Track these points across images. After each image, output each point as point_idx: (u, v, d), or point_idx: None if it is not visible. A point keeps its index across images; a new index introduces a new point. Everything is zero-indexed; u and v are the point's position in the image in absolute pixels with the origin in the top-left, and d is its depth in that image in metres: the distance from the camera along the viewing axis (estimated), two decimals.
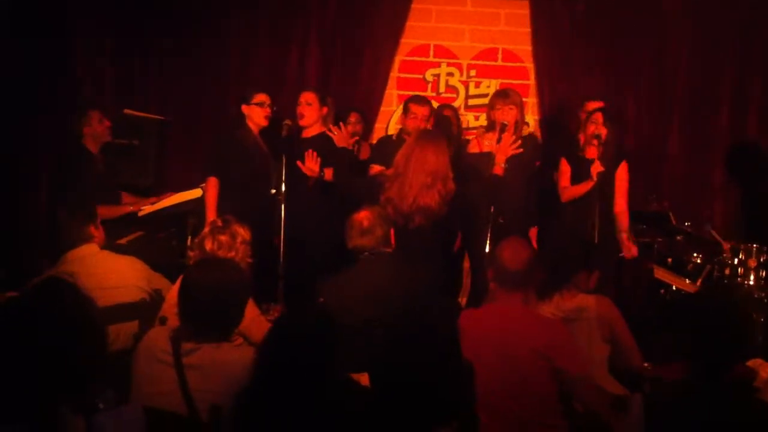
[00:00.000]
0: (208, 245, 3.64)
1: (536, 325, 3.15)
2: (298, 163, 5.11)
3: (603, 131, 5.14)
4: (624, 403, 2.94)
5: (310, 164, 5.10)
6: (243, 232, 3.70)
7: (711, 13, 6.57)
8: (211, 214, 4.96)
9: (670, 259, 6.08)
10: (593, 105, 5.66)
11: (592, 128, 5.19)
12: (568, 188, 5.28)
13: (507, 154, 4.92)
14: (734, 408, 2.53)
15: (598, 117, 5.20)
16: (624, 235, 5.20)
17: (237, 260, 3.62)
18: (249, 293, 2.88)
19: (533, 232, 5.35)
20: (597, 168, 5.08)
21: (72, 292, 2.12)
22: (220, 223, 3.73)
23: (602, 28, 6.63)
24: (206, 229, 3.74)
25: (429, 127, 5.40)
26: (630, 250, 5.19)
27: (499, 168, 4.89)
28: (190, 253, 3.76)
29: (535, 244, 5.14)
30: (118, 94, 6.47)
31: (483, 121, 6.21)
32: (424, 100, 5.66)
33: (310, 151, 5.13)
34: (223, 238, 3.65)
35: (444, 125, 5.91)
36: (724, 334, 2.58)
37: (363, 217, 3.84)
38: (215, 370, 2.72)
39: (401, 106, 6.78)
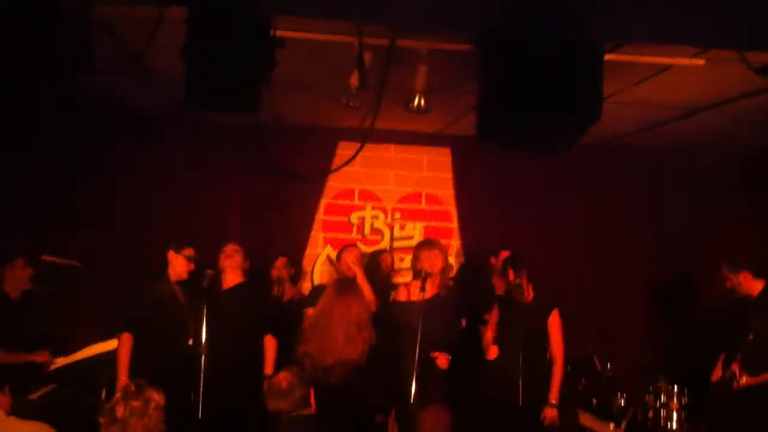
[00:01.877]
0: (120, 412, 3.46)
1: None
2: None
3: (518, 281, 5.19)
4: None
5: None
6: (157, 398, 3.54)
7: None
8: (123, 373, 4.79)
9: (595, 400, 6.11)
10: (505, 254, 5.75)
11: (512, 276, 5.25)
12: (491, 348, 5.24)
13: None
14: None
15: (509, 272, 5.23)
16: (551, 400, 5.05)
17: (150, 427, 3.47)
18: None
19: (443, 358, 5.05)
20: (492, 353, 5.12)
21: None
22: (132, 388, 3.56)
23: (524, 171, 6.87)
24: (118, 395, 3.57)
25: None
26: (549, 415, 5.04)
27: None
28: (101, 420, 3.57)
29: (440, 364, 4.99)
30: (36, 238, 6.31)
31: (408, 263, 6.28)
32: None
33: None
34: (135, 404, 3.49)
35: (377, 267, 6.03)
36: None
37: (282, 378, 3.77)
38: None
39: (326, 249, 6.89)
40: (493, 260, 5.94)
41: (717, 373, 5.13)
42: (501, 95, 3.17)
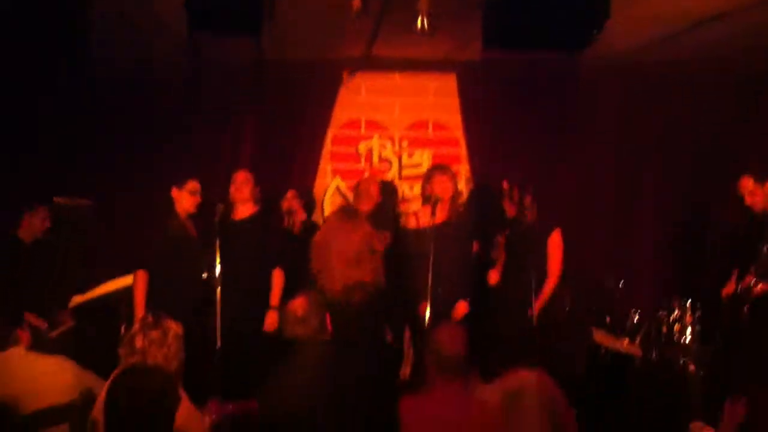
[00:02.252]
0: (139, 343, 3.51)
1: (474, 413, 3.11)
2: None
3: (526, 203, 5.20)
4: None
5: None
6: (175, 327, 3.59)
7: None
8: (140, 309, 4.84)
9: (608, 318, 6.16)
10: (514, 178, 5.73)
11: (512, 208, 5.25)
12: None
13: None
14: None
15: (515, 195, 5.26)
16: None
17: (170, 356, 3.53)
18: (177, 402, 2.79)
19: (462, 305, 5.19)
20: (494, 278, 5.17)
21: None
22: (150, 320, 3.61)
23: (529, 95, 6.80)
24: (136, 326, 3.62)
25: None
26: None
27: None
28: (120, 351, 3.63)
29: (458, 318, 5.10)
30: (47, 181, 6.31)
31: (418, 190, 6.26)
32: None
33: None
34: (154, 334, 3.53)
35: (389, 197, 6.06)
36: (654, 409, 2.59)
37: (297, 306, 3.79)
38: None
39: (335, 180, 6.89)
40: (505, 185, 5.89)
41: (730, 287, 5.10)
42: None
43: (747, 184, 5.16)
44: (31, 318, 5.09)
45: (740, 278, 5.09)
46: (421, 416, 3.06)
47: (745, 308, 4.76)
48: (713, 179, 6.49)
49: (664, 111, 6.84)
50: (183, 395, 3.40)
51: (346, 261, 4.54)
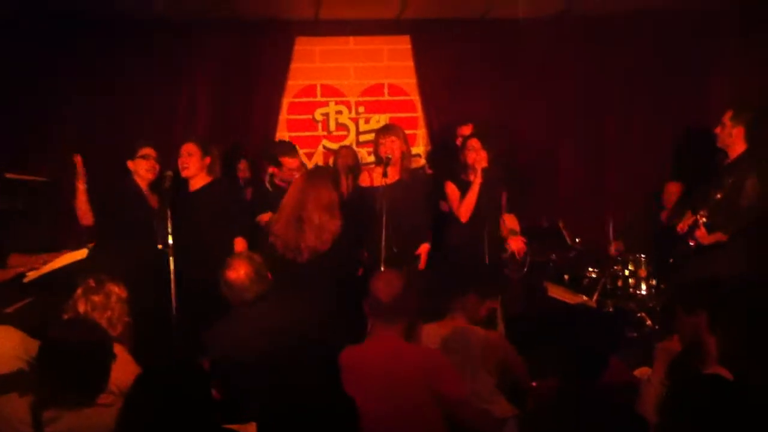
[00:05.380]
0: (81, 307, 3.53)
1: (413, 355, 3.15)
2: None
3: (483, 155, 5.23)
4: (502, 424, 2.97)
5: None
6: (118, 290, 3.60)
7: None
8: None
9: (567, 276, 6.22)
10: (465, 130, 5.78)
11: (472, 156, 5.26)
12: (462, 204, 5.32)
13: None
14: (599, 415, 2.57)
15: (475, 143, 5.29)
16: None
17: (113, 320, 3.53)
18: (112, 355, 2.79)
19: (424, 248, 5.30)
20: (480, 164, 5.21)
21: None
22: (93, 283, 3.61)
23: (483, 53, 6.79)
24: (79, 291, 3.62)
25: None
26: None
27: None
28: (64, 316, 3.63)
29: (423, 262, 5.21)
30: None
31: None
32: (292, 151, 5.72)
33: None
34: (96, 298, 3.55)
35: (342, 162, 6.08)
36: (575, 349, 2.63)
37: (242, 273, 3.68)
38: None
39: None
40: (459, 141, 5.92)
41: (682, 225, 4.94)
42: None
43: (725, 119, 4.87)
44: None
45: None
46: (357, 362, 3.09)
47: (691, 243, 4.74)
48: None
49: (624, 61, 6.85)
50: (125, 355, 3.41)
51: (317, 221, 4.53)
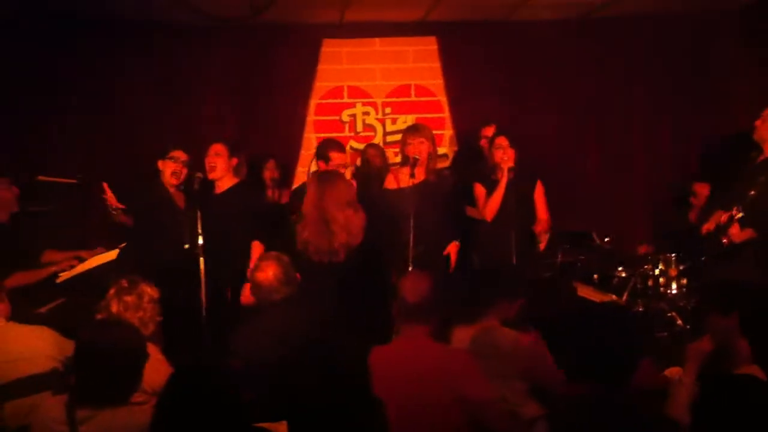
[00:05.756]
0: (114, 307, 3.58)
1: (438, 356, 3.15)
2: None
3: (511, 153, 5.22)
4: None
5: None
6: (150, 291, 3.65)
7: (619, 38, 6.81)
8: None
9: (596, 276, 6.16)
10: (489, 131, 5.75)
11: (499, 154, 5.25)
12: (487, 203, 5.31)
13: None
14: (630, 419, 2.55)
15: (502, 141, 5.27)
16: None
17: (146, 320, 3.58)
18: (145, 355, 2.82)
19: (453, 247, 5.26)
20: (507, 163, 5.19)
21: None
22: (125, 284, 3.66)
23: (508, 55, 6.78)
24: (112, 291, 3.67)
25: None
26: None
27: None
28: (97, 316, 3.68)
29: (453, 260, 5.18)
30: (30, 159, 6.34)
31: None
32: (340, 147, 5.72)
33: None
34: (129, 298, 3.60)
35: (369, 164, 6.06)
36: (603, 351, 2.60)
37: (270, 274, 3.69)
38: None
39: None
40: (483, 142, 5.91)
41: (710, 224, 4.89)
42: None
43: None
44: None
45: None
46: (383, 363, 3.08)
47: (724, 240, 4.67)
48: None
49: (649, 63, 6.81)
50: (158, 355, 3.45)
51: (343, 217, 4.52)
